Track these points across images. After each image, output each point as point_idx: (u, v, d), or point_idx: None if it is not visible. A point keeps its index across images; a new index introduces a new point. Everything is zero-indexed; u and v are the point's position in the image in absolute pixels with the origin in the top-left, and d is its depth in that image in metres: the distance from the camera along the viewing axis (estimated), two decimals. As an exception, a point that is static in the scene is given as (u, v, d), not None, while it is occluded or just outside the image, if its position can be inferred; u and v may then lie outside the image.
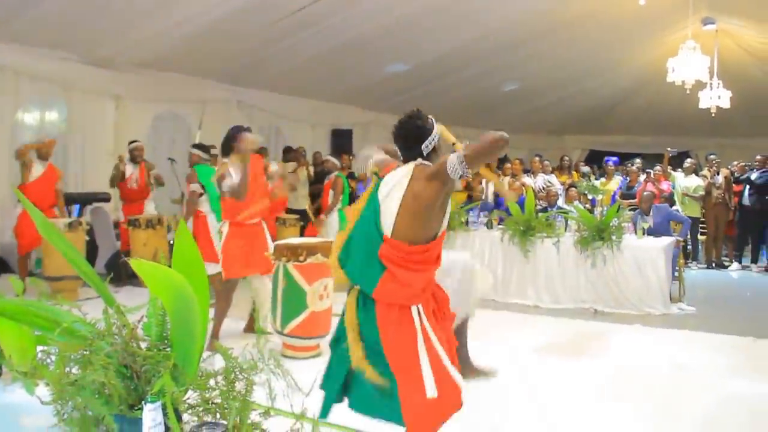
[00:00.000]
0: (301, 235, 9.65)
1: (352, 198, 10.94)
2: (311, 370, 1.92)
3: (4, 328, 1.85)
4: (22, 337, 1.86)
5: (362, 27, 10.57)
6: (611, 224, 7.78)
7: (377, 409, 2.75)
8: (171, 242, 9.43)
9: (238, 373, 1.68)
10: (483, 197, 10.41)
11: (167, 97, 11.59)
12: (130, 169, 9.41)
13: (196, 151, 7.89)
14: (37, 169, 8.42)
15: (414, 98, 14.85)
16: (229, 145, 5.87)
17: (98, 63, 10.23)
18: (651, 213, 8.65)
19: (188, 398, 1.70)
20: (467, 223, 8.83)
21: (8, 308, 1.86)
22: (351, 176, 11.40)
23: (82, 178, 10.42)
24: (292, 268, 5.26)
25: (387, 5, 9.90)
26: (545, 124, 19.16)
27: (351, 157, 12.29)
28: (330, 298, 5.48)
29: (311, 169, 11.98)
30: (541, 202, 9.75)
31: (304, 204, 10.71)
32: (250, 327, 6.24)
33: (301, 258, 5.23)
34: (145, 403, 1.44)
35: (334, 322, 5.63)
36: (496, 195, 10.70)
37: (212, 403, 1.70)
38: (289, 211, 11.23)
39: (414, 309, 2.81)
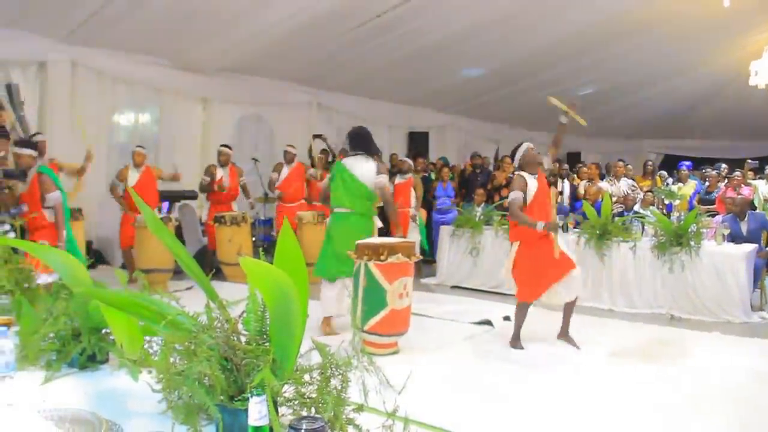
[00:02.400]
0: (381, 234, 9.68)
1: (426, 199, 10.95)
2: (391, 368, 1.91)
3: (115, 318, 1.92)
4: (131, 328, 1.93)
5: (440, 32, 10.55)
6: (689, 230, 7.55)
7: None
8: (254, 239, 9.63)
9: (334, 369, 1.69)
10: (559, 200, 10.24)
11: (251, 99, 11.85)
12: (220, 173, 9.60)
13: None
14: (133, 176, 8.69)
15: (489, 102, 14.78)
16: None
17: (188, 68, 10.54)
18: (746, 219, 8.31)
19: (285, 392, 1.72)
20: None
21: (118, 300, 1.92)
22: (425, 179, 11.41)
23: (171, 177, 10.71)
24: (373, 267, 5.28)
25: (464, 11, 9.85)
26: (621, 128, 18.69)
27: (426, 160, 12.29)
28: (409, 296, 5.48)
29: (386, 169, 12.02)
30: (617, 206, 9.52)
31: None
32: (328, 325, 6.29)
33: (382, 257, 5.25)
34: (251, 396, 1.47)
35: (413, 320, 5.71)
36: (572, 198, 10.52)
37: (308, 397, 1.71)
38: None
39: None
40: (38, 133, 8.58)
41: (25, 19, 8.49)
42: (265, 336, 1.74)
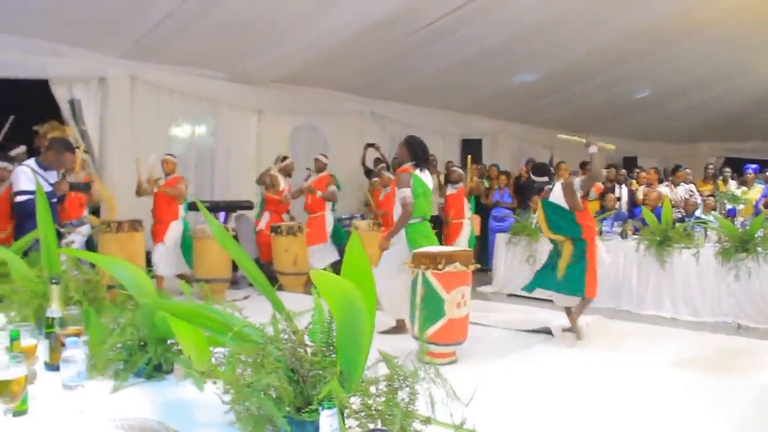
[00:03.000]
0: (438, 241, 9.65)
1: (479, 205, 10.88)
2: (451, 377, 1.88)
3: (182, 329, 1.93)
4: (198, 339, 1.94)
5: (492, 38, 10.47)
6: (756, 235, 7.31)
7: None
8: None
9: (401, 381, 1.67)
10: (617, 206, 10.05)
11: (305, 109, 11.96)
12: (283, 184, 9.70)
13: None
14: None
15: (543, 107, 14.62)
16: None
17: (242, 80, 10.70)
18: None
19: (352, 404, 1.71)
20: (601, 232, 8.53)
21: (184, 311, 1.93)
22: (481, 185, 11.33)
23: (227, 187, 10.88)
24: (430, 276, 5.25)
25: (516, 16, 9.76)
26: (678, 130, 18.28)
27: (479, 166, 12.21)
28: (467, 305, 5.44)
29: (442, 177, 11.98)
30: (676, 211, 9.30)
31: (435, 210, 10.70)
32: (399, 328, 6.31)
33: (440, 266, 5.21)
34: (322, 409, 1.46)
35: (471, 329, 5.66)
36: (631, 204, 10.31)
37: (375, 409, 1.69)
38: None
39: None
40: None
41: (86, 37, 8.70)
42: (331, 347, 1.74)
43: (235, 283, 9.03)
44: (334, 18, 9.03)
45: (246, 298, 8.13)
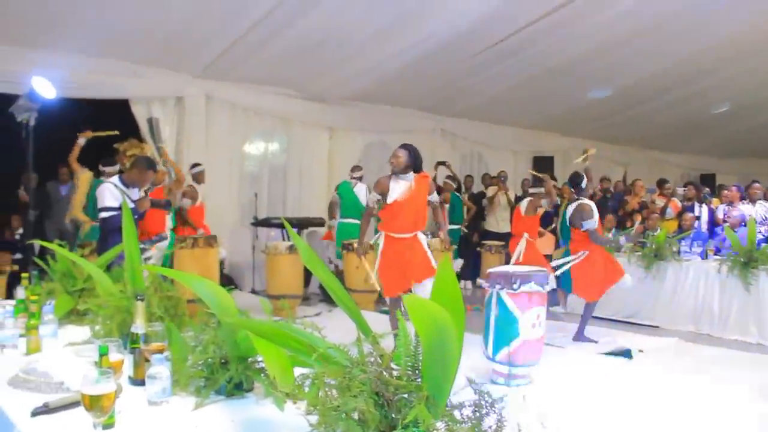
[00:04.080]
0: (506, 260, 9.53)
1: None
2: (527, 400, 1.82)
3: (267, 349, 1.93)
4: (281, 359, 1.93)
5: (563, 54, 10.33)
6: None
7: None
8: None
9: (488, 407, 1.63)
10: (695, 226, 9.72)
11: (376, 127, 12.02)
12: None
13: None
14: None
15: (616, 123, 14.34)
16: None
17: (314, 98, 10.85)
18: None
19: (437, 429, 1.67)
20: (679, 252, 8.28)
21: (267, 330, 1.93)
22: (554, 205, 11.13)
23: (299, 204, 11.02)
24: (505, 296, 5.17)
25: (588, 32, 9.60)
26: (759, 145, 17.60)
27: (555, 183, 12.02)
28: (542, 326, 5.33)
29: (512, 194, 11.86)
30: (763, 231, 8.94)
31: (506, 227, 10.58)
32: None
33: (515, 286, 5.13)
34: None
35: (546, 350, 5.54)
36: (711, 224, 9.96)
37: (460, 435, 1.65)
38: (491, 235, 11.18)
39: None
40: (197, 164, 9.02)
41: (164, 57, 8.99)
42: (417, 371, 1.71)
43: (306, 299, 9.09)
44: (406, 37, 9.08)
45: (317, 314, 8.19)
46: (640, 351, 6.47)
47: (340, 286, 1.98)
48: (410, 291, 5.95)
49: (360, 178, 9.82)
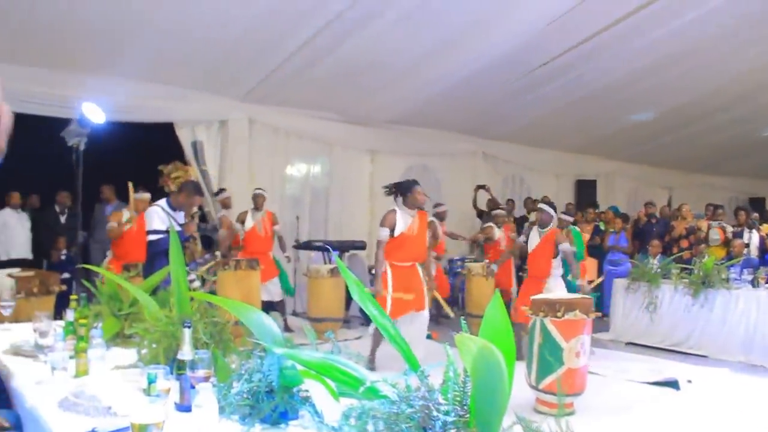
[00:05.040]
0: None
1: (600, 252, 10.55)
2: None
3: (313, 380, 1.94)
4: (328, 391, 1.94)
5: (606, 78, 10.28)
6: None
7: None
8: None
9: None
10: (746, 253, 9.51)
11: (417, 150, 12.05)
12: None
13: None
14: (251, 220, 8.80)
15: (660, 146, 14.17)
16: (403, 193, 6.56)
17: (356, 121, 10.93)
18: None
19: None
20: (728, 280, 8.09)
21: (315, 362, 1.94)
22: (596, 229, 11.02)
23: (340, 226, 11.05)
24: (549, 324, 5.12)
25: (631, 55, 9.54)
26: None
27: (595, 210, 11.90)
28: (587, 355, 5.25)
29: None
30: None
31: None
32: None
33: (559, 314, 5.07)
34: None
35: (590, 379, 5.45)
36: (761, 250, 9.74)
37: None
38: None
39: None
40: (223, 190, 9.14)
41: (209, 82, 9.16)
42: (465, 407, 1.69)
43: (347, 322, 9.09)
44: (448, 61, 9.13)
45: (358, 338, 8.18)
46: (689, 381, 6.32)
47: (392, 325, 1.98)
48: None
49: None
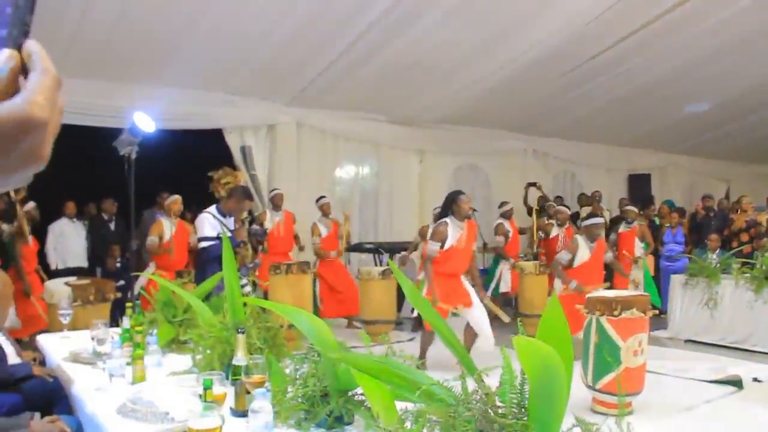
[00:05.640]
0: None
1: (656, 248, 10.36)
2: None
3: (368, 384, 1.93)
4: (384, 394, 1.93)
5: (658, 69, 10.06)
6: None
7: None
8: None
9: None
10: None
11: (466, 149, 12.00)
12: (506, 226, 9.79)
13: None
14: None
15: (716, 138, 13.84)
16: (449, 206, 6.56)
17: (403, 122, 10.91)
18: None
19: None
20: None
21: (369, 365, 1.93)
22: (651, 225, 10.82)
23: (389, 228, 11.06)
24: (605, 323, 5.02)
25: (683, 45, 9.31)
26: None
27: (651, 206, 11.69)
28: (645, 354, 5.14)
29: (608, 214, 11.56)
30: None
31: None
32: None
33: (616, 312, 4.98)
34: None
35: (647, 378, 5.34)
36: None
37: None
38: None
39: None
40: (275, 189, 9.22)
41: (257, 87, 9.25)
42: (523, 410, 1.67)
43: (399, 323, 9.09)
44: (495, 58, 9.06)
45: (411, 340, 8.16)
46: (756, 380, 6.13)
47: (446, 325, 1.96)
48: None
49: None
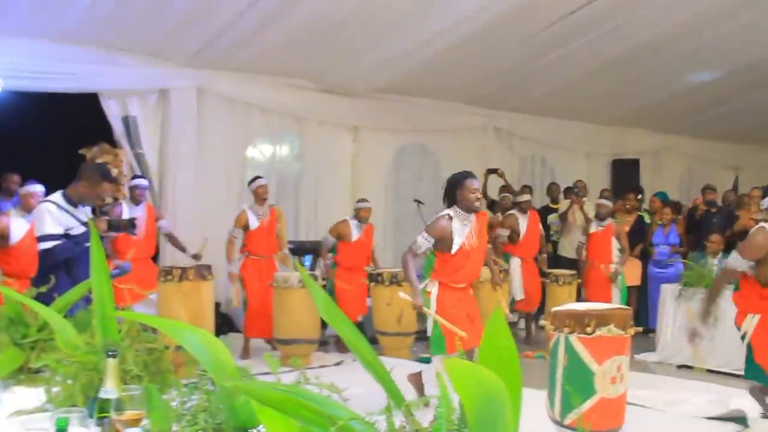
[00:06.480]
0: (578, 294, 9.45)
1: (644, 250, 10.57)
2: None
3: (271, 420, 1.93)
4: (290, 430, 1.93)
5: (651, 29, 10.25)
6: None
7: None
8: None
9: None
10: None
11: (411, 126, 12.09)
12: None
13: None
14: (255, 218, 8.93)
15: (723, 115, 14.13)
16: (452, 193, 6.19)
17: (333, 90, 10.93)
18: None
19: None
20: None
21: (274, 397, 1.93)
22: (639, 222, 11.04)
23: (315, 224, 11.04)
24: (576, 342, 5.09)
25: (685, 1, 9.53)
26: None
27: (639, 197, 11.90)
28: (625, 381, 5.25)
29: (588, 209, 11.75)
30: None
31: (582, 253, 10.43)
32: None
33: (589, 329, 5.06)
34: None
35: (629, 411, 5.45)
36: None
37: None
38: (564, 261, 11.05)
39: None
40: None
41: (143, 43, 9.10)
42: (462, 449, 1.70)
43: (324, 343, 9.09)
44: (448, 13, 9.08)
45: (338, 364, 8.18)
46: (765, 416, 6.33)
47: (365, 343, 1.97)
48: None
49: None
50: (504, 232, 9.90)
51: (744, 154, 16.75)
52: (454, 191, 6.14)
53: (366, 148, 11.64)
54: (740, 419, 6.25)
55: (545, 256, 10.55)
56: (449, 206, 6.17)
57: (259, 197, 8.99)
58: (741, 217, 10.69)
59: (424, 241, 6.14)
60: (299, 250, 9.93)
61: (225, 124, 10.30)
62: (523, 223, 10.07)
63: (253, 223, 8.88)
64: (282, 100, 10.71)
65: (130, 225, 7.02)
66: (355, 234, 9.28)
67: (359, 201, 9.57)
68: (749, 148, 16.74)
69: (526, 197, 10.43)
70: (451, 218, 6.09)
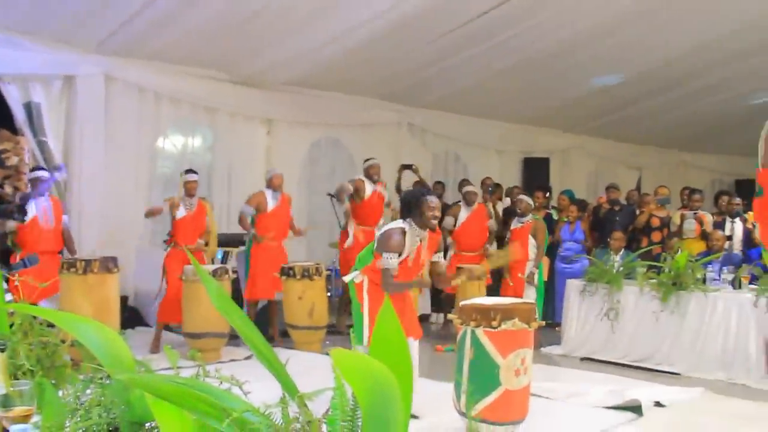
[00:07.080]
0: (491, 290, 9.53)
1: (552, 247, 10.72)
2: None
3: (165, 413, 1.90)
4: (186, 428, 1.90)
5: (562, 32, 10.42)
6: None
7: None
8: (330, 295, 9.68)
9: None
10: (726, 248, 9.81)
11: (326, 119, 12.07)
12: (369, 189, 9.92)
13: None
14: (181, 210, 8.90)
15: (628, 117, 14.49)
16: (410, 208, 6.06)
17: (247, 82, 10.84)
18: None
19: None
20: (705, 281, 8.35)
21: (169, 390, 1.90)
22: (548, 220, 11.20)
23: (227, 217, 10.91)
24: (482, 336, 5.15)
25: (592, 5, 9.69)
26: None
27: (547, 195, 12.09)
28: (528, 373, 5.32)
29: (500, 207, 11.89)
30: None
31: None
32: None
33: (494, 323, 5.12)
34: None
35: (534, 403, 5.54)
36: (746, 244, 10.06)
37: None
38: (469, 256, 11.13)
39: None
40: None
41: (48, 26, 8.85)
42: (356, 441, 1.70)
43: (234, 337, 8.99)
44: (360, 9, 9.09)
45: (248, 358, 8.12)
46: (657, 404, 6.50)
47: (258, 334, 1.96)
48: None
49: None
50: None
51: (646, 155, 17.21)
52: (412, 207, 6.02)
53: (280, 141, 11.57)
54: (635, 408, 6.42)
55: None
56: (404, 219, 6.09)
57: (188, 192, 8.99)
58: (642, 214, 10.94)
59: (392, 260, 5.98)
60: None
61: (134, 114, 10.07)
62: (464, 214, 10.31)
63: (180, 210, 8.92)
64: (193, 91, 10.55)
65: (18, 211, 6.80)
66: (271, 204, 9.32)
67: (270, 170, 9.86)
68: (651, 150, 17.22)
69: (471, 188, 10.61)
70: (404, 232, 5.99)
